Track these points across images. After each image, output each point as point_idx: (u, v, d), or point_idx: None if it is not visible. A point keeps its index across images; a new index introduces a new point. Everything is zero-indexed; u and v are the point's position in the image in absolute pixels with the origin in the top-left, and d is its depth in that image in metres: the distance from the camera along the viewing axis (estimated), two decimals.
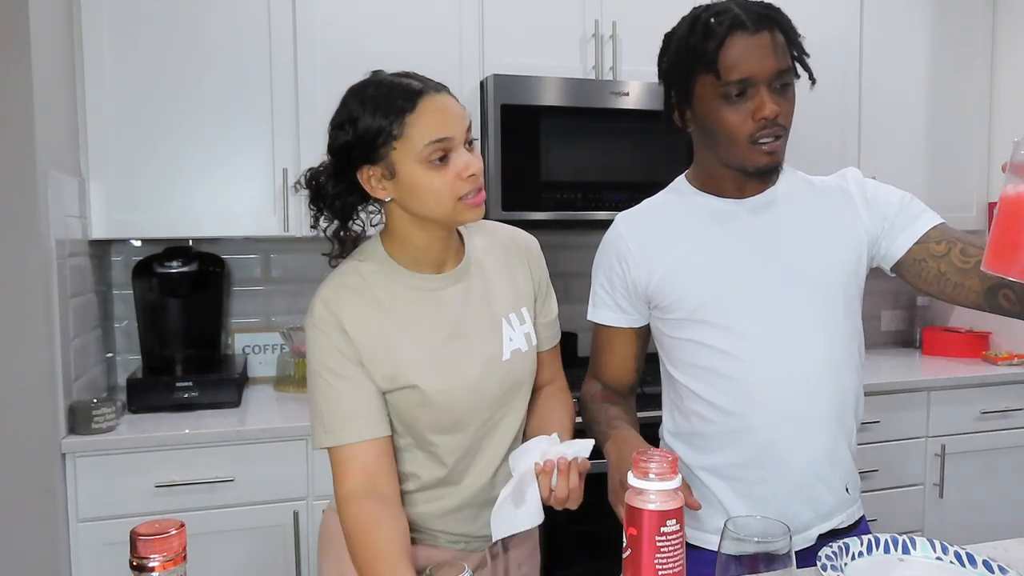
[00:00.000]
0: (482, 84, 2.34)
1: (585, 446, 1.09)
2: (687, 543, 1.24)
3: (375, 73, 1.13)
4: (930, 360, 2.87)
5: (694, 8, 1.16)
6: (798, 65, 1.16)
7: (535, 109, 2.29)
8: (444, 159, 1.07)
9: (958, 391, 2.55)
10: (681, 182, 1.30)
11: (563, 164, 2.32)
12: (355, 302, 1.13)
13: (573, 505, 1.08)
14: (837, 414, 1.19)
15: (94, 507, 1.86)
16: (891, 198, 1.21)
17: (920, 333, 3.10)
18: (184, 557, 0.68)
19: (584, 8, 2.43)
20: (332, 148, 1.13)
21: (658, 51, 1.22)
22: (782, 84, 1.12)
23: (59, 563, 1.82)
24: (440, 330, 1.16)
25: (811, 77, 1.17)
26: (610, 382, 1.37)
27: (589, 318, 1.36)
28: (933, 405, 2.53)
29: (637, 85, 2.36)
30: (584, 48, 2.44)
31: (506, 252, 1.28)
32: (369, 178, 1.11)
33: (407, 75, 1.11)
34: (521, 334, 1.23)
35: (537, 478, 1.06)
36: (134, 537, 0.66)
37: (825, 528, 1.21)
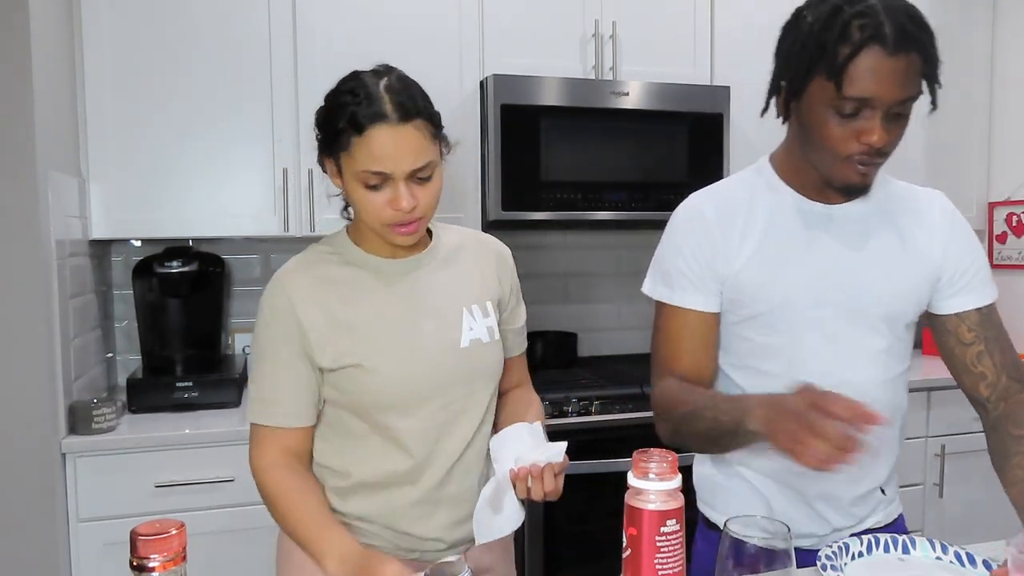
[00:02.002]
0: (482, 84, 2.34)
1: (558, 450, 1.09)
2: (711, 522, 1.25)
3: (371, 75, 1.12)
4: (930, 360, 2.86)
5: None
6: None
7: (535, 109, 2.29)
8: (378, 186, 1.09)
9: (958, 391, 2.54)
10: (766, 168, 1.22)
11: (563, 164, 2.32)
12: (305, 282, 1.17)
13: (553, 498, 1.10)
14: (882, 428, 1.20)
15: (94, 507, 1.87)
16: (968, 254, 1.19)
17: (921, 333, 3.10)
18: (184, 557, 0.68)
19: (584, 8, 2.42)
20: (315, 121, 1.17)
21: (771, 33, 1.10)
22: (902, 112, 1.05)
23: (59, 563, 1.82)
24: (393, 312, 1.17)
25: (934, 103, 1.09)
26: (687, 374, 1.20)
27: (667, 301, 1.21)
28: (933, 405, 2.53)
29: (637, 85, 2.36)
30: (584, 48, 2.44)
31: (475, 251, 1.29)
32: (326, 166, 1.16)
33: (391, 89, 1.09)
34: (483, 326, 1.23)
35: (513, 484, 1.08)
36: (134, 537, 0.66)
37: (859, 528, 1.22)
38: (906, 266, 1.17)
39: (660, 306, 1.22)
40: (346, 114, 1.07)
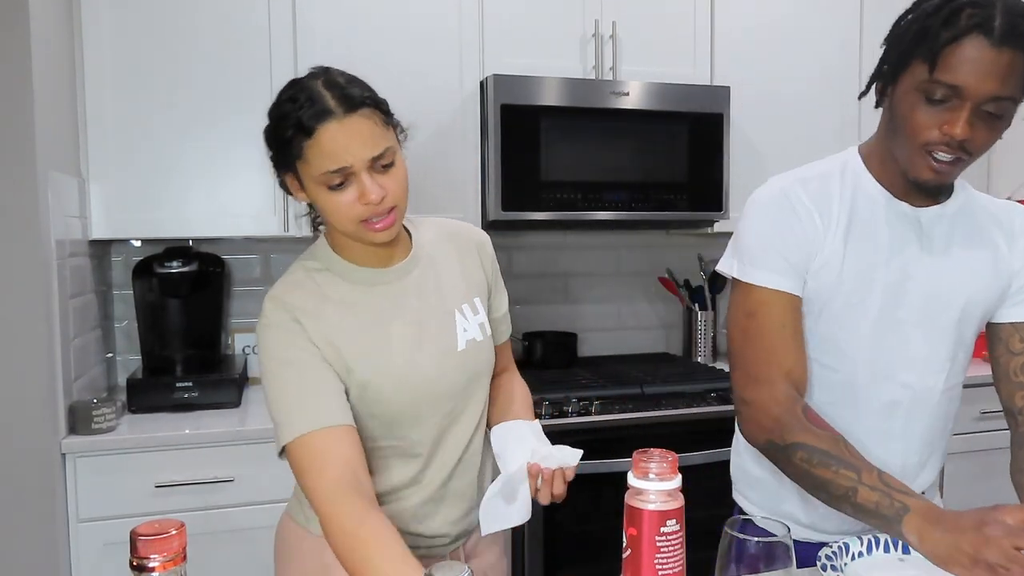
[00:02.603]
0: (482, 84, 2.34)
1: (573, 455, 1.09)
2: (742, 512, 1.27)
3: (308, 78, 1.09)
4: None
5: None
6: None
7: (535, 109, 2.29)
8: (342, 184, 1.05)
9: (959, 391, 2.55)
10: (854, 159, 1.18)
11: (563, 164, 2.32)
12: (305, 298, 1.12)
13: (558, 501, 1.11)
14: (931, 438, 1.21)
15: (94, 507, 1.86)
16: None
17: None
18: (184, 557, 0.68)
19: (584, 8, 2.42)
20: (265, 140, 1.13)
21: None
22: (994, 112, 1.00)
23: (59, 563, 1.82)
24: (390, 324, 1.15)
25: None
26: (794, 375, 1.13)
27: (764, 284, 1.13)
28: None
29: (637, 85, 2.36)
30: (584, 48, 2.44)
31: (456, 244, 1.26)
32: (287, 182, 1.13)
33: (330, 84, 1.06)
34: (475, 324, 1.22)
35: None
36: (134, 537, 0.66)
37: None
38: (985, 274, 1.16)
39: (750, 289, 1.14)
40: (292, 121, 1.04)
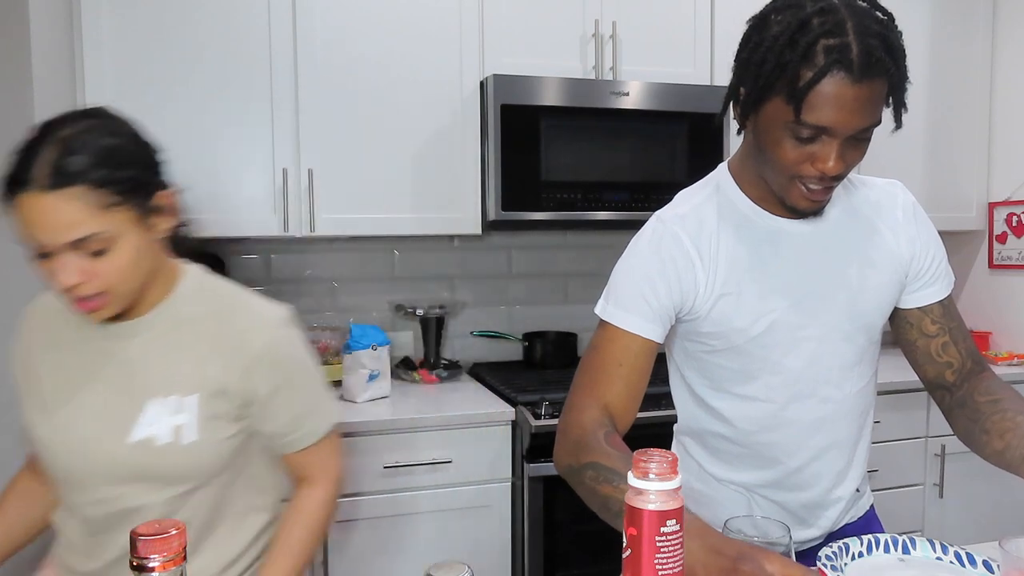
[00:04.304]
0: (482, 84, 2.34)
1: None
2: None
3: (45, 127, 1.00)
4: None
5: (805, 5, 0.96)
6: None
7: (535, 109, 2.29)
8: (46, 256, 0.96)
9: None
10: (725, 180, 1.16)
11: (563, 164, 2.32)
12: (39, 321, 1.14)
13: None
14: (857, 436, 1.20)
15: None
16: (930, 248, 1.17)
17: None
18: (184, 557, 0.68)
19: (584, 8, 2.43)
20: None
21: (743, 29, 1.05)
22: (861, 138, 0.99)
23: None
24: (78, 381, 1.07)
25: (898, 123, 1.01)
26: (613, 408, 1.12)
27: (615, 323, 1.13)
28: (933, 405, 2.52)
29: (637, 85, 2.37)
30: (584, 48, 2.44)
31: (221, 337, 1.08)
32: None
33: (58, 146, 0.94)
34: (170, 424, 1.04)
35: None
36: (134, 537, 0.66)
37: (837, 527, 1.23)
38: (879, 271, 1.15)
39: (605, 325, 1.15)
40: (2, 175, 0.95)
